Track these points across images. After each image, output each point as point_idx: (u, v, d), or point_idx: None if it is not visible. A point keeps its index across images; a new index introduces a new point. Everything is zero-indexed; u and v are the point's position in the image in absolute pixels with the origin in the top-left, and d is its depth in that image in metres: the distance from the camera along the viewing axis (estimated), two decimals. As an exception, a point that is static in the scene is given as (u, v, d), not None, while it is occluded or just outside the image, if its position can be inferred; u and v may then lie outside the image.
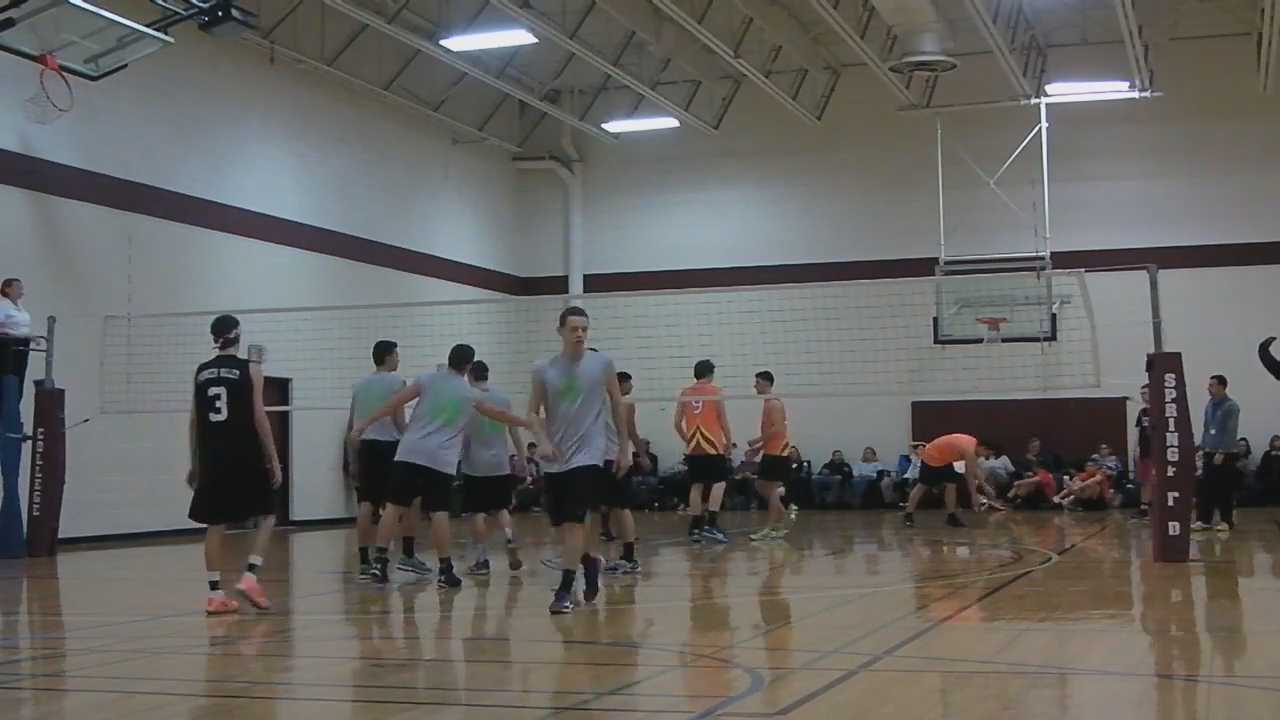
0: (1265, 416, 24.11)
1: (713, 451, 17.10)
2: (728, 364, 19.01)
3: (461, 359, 12.62)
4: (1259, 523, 20.03)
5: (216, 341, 10.61)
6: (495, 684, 7.67)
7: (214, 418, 10.36)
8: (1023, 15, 24.04)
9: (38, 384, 16.93)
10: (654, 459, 27.65)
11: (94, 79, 16.96)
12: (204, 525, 10.52)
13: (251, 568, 10.40)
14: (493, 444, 13.34)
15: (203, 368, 10.58)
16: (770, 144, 28.20)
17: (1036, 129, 24.58)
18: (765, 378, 18.13)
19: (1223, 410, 17.73)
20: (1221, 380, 17.83)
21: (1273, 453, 24.87)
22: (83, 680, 7.99)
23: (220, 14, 16.49)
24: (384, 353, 13.62)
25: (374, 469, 12.91)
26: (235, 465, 10.36)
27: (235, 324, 10.72)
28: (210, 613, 10.10)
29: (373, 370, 13.67)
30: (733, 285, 23.00)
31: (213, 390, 10.38)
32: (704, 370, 17.15)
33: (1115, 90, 24.98)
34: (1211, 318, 24.32)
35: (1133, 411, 22.20)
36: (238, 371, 10.41)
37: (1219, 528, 17.66)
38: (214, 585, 10.27)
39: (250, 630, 9.97)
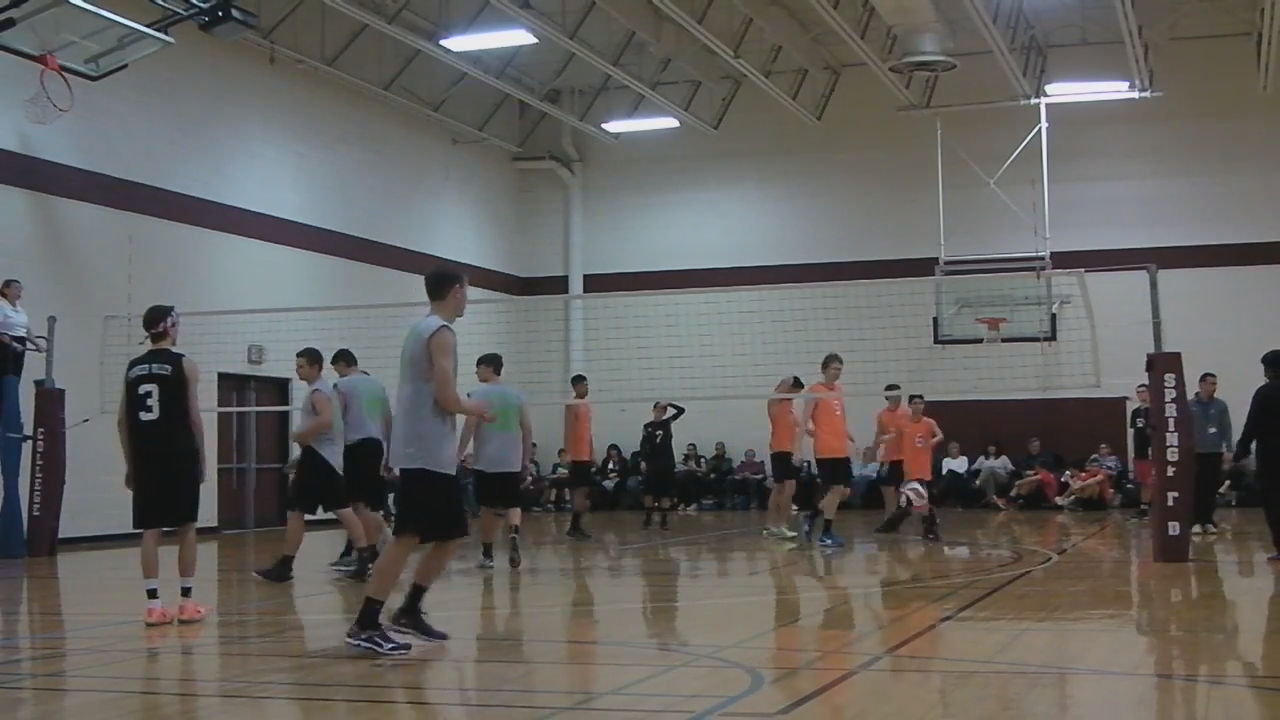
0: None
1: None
2: (728, 364, 19.03)
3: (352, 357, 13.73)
4: (1259, 523, 20.00)
5: (147, 334, 9.92)
6: (495, 684, 7.67)
7: (145, 416, 9.69)
8: (1023, 15, 24.04)
9: (38, 384, 16.95)
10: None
11: (94, 79, 16.96)
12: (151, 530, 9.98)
13: (186, 592, 9.84)
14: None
15: (133, 364, 9.90)
16: (770, 144, 28.20)
17: (1036, 129, 24.58)
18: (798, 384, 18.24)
19: (1217, 409, 17.63)
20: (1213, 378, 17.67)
21: (1273, 453, 24.84)
22: (83, 680, 7.99)
23: (220, 14, 16.49)
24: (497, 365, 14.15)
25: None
26: (167, 467, 9.75)
27: (166, 314, 9.90)
28: (150, 624, 9.50)
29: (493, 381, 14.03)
30: (733, 285, 23.01)
31: (144, 387, 9.71)
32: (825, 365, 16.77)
33: (1115, 90, 24.98)
34: (1211, 318, 24.32)
35: (1129, 411, 22.20)
36: (170, 367, 9.72)
37: (1210, 530, 17.53)
38: (152, 594, 9.63)
39: (249, 631, 9.98)
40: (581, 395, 19.15)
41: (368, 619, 8.12)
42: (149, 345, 9.93)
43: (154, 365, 9.77)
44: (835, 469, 16.75)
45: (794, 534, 17.51)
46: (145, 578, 9.67)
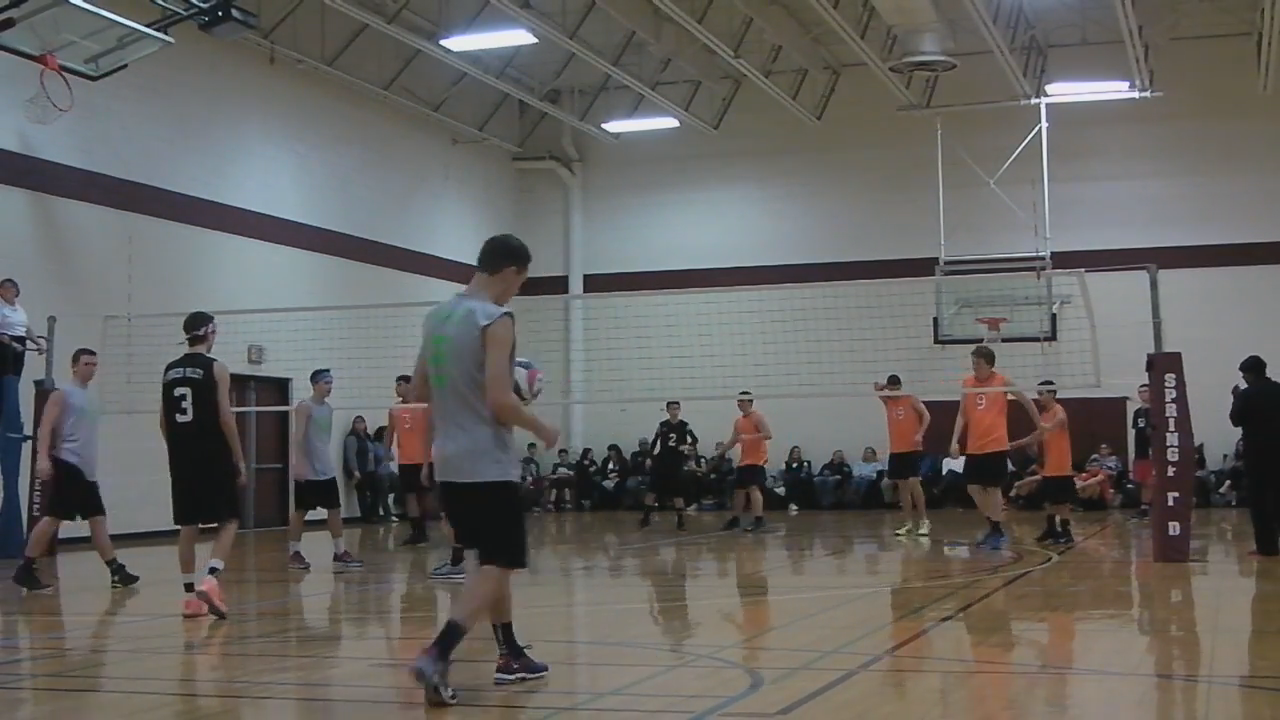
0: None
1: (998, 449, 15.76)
2: (727, 364, 19.03)
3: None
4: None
5: (186, 337, 10.38)
6: (495, 684, 7.67)
7: (180, 419, 10.15)
8: (1023, 15, 24.04)
9: (38, 384, 16.94)
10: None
11: (94, 79, 16.96)
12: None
13: (213, 571, 10.09)
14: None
15: (169, 367, 10.33)
16: (770, 144, 28.19)
17: (1036, 129, 24.56)
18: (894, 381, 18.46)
19: None
20: None
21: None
22: (83, 680, 7.99)
23: (220, 14, 16.49)
24: None
25: None
26: (201, 467, 10.15)
27: (205, 321, 10.39)
28: (186, 616, 9.94)
29: None
30: (733, 285, 22.99)
31: (178, 390, 10.16)
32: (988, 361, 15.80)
33: (1115, 90, 24.97)
34: (1211, 318, 24.32)
35: (1130, 411, 22.21)
36: (202, 371, 10.14)
37: None
38: (189, 588, 10.14)
39: (249, 631, 9.98)
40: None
41: (512, 645, 7.11)
42: (185, 348, 10.36)
43: (188, 369, 10.20)
44: (971, 466, 16.04)
45: (925, 532, 17.61)
46: (182, 573, 10.22)
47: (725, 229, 28.52)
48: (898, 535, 18.04)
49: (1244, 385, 14.83)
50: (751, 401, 19.84)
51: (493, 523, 6.90)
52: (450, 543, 13.05)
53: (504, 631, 7.14)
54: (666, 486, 21.78)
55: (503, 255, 7.07)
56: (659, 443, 21.45)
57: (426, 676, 6.57)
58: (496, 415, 6.81)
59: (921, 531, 17.77)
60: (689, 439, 21.87)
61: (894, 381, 18.52)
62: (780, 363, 19.08)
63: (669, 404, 21.02)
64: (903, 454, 18.52)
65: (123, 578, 12.80)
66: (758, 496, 20.17)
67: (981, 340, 22.07)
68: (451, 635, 6.70)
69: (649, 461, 23.03)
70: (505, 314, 6.87)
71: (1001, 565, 13.96)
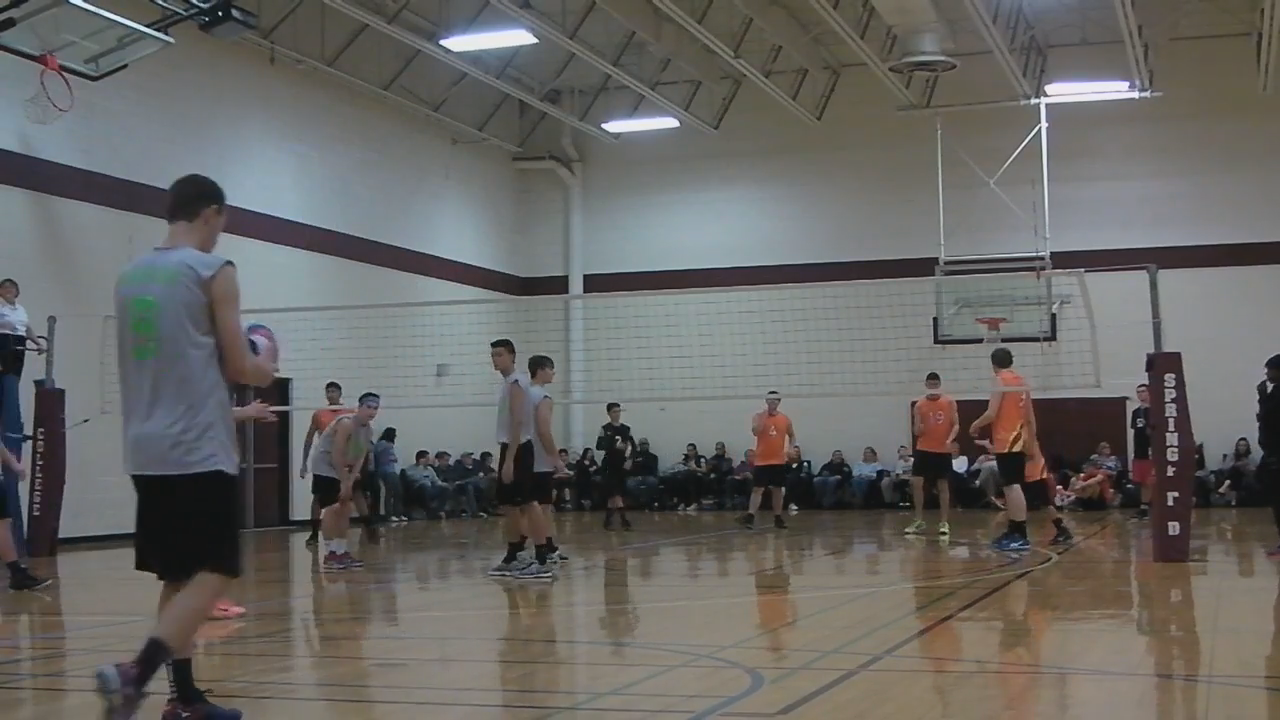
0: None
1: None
2: (728, 364, 19.03)
3: None
4: (1259, 522, 20.02)
5: None
6: (495, 684, 7.67)
7: None
8: (1023, 15, 24.04)
9: (38, 384, 16.96)
10: (654, 459, 27.77)
11: (94, 79, 16.97)
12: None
13: None
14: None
15: None
16: (770, 144, 28.19)
17: (1036, 129, 24.57)
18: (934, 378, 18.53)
19: None
20: None
21: (1273, 453, 24.82)
22: (83, 680, 7.97)
23: (220, 14, 16.50)
24: (538, 366, 13.84)
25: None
26: None
27: None
28: None
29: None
30: (733, 285, 23.01)
31: None
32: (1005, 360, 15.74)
33: (1115, 90, 24.98)
34: (1211, 318, 24.34)
35: (1130, 411, 22.21)
36: None
37: None
38: None
39: (250, 631, 9.97)
40: (334, 402, 17.94)
41: (186, 687, 5.96)
42: None
43: None
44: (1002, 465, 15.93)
45: (945, 530, 17.59)
46: None
47: (725, 229, 28.52)
48: (907, 534, 18.03)
49: (1269, 383, 14.59)
50: (780, 401, 19.84)
51: (214, 521, 5.73)
52: (507, 538, 13.20)
53: (178, 671, 5.90)
54: (613, 487, 22.32)
55: (199, 196, 6.20)
56: (606, 446, 22.10)
57: (109, 689, 5.49)
58: (239, 380, 5.82)
59: (942, 530, 17.78)
60: (630, 441, 22.58)
61: (934, 379, 18.40)
62: (780, 363, 19.12)
63: (609, 406, 21.49)
64: (936, 454, 18.40)
65: None
66: (779, 496, 20.58)
67: (980, 340, 22.18)
68: (155, 656, 5.62)
69: (593, 465, 23.66)
70: (227, 263, 5.87)
71: (1002, 565, 13.96)
